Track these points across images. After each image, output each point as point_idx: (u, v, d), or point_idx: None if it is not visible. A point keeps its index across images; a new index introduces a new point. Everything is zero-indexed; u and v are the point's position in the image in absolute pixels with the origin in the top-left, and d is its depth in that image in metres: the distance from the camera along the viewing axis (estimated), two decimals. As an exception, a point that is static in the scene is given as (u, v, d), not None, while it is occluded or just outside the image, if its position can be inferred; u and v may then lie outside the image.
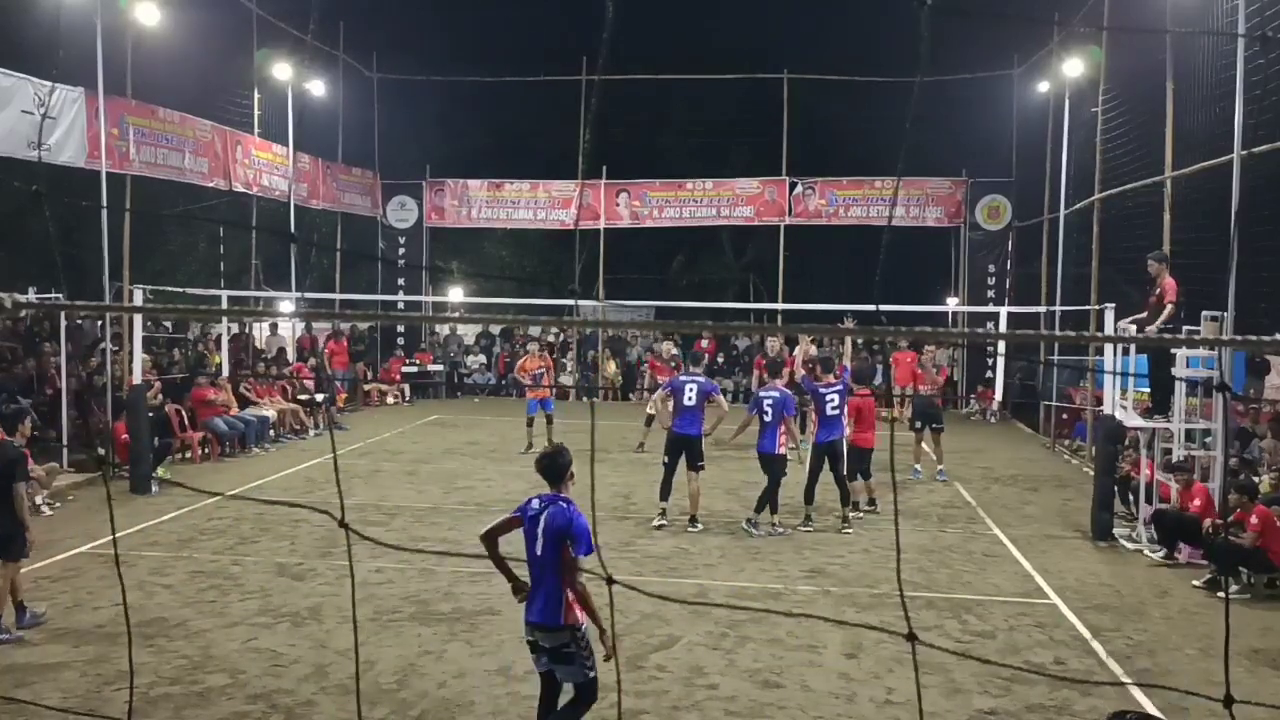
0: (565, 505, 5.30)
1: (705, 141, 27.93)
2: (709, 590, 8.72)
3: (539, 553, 5.23)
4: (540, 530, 5.23)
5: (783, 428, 10.76)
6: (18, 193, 17.16)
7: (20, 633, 7.34)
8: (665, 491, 11.00)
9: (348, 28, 22.00)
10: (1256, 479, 10.38)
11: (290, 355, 20.51)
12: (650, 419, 15.35)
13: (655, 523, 10.94)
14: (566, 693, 5.39)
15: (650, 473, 13.99)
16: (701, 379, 11.21)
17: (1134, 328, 11.17)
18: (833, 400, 11.04)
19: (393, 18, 25.80)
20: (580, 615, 5.15)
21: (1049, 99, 19.55)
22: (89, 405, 14.22)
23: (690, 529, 10.82)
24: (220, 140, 17.43)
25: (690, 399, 10.94)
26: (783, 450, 10.73)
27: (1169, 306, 10.76)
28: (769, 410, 10.75)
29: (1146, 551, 10.32)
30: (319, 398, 17.95)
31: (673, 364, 18.46)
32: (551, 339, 24.76)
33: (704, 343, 19.21)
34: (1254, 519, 8.87)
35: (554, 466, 5.44)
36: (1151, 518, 10.52)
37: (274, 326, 20.72)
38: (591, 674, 5.30)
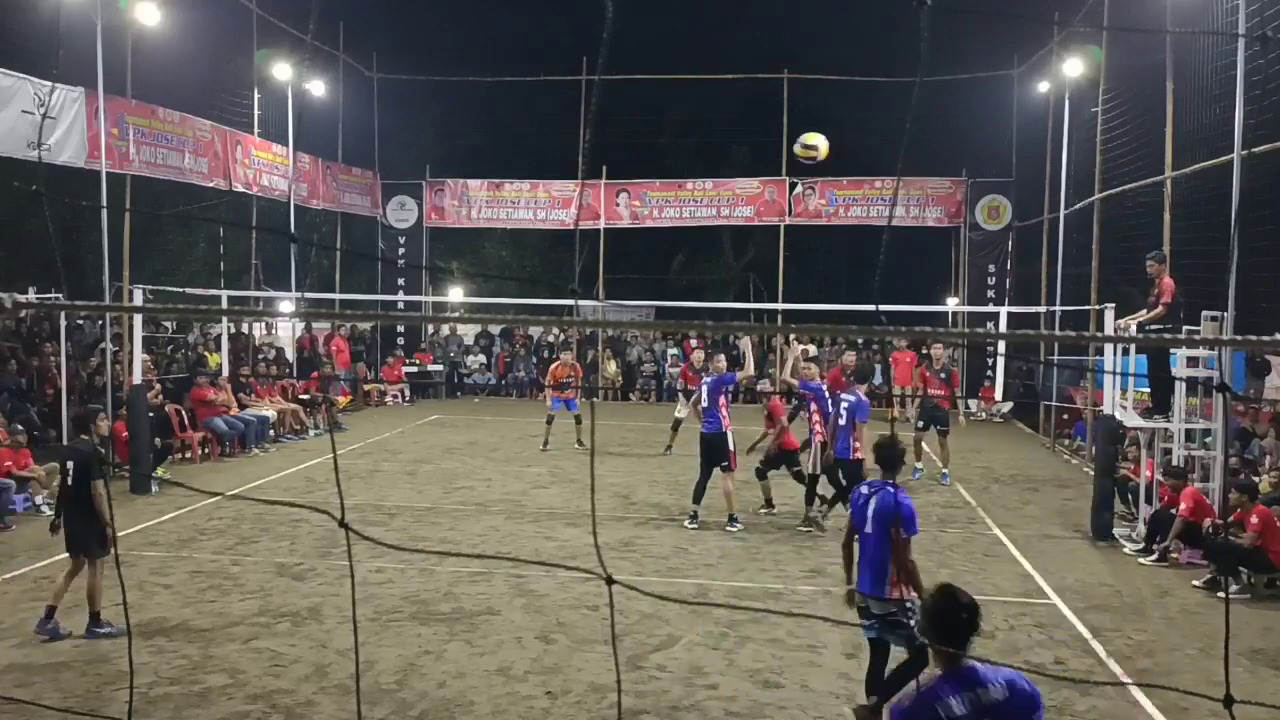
0: (893, 490, 5.94)
1: (705, 141, 27.91)
2: (709, 590, 8.72)
3: (868, 531, 5.95)
4: (870, 513, 5.94)
5: (855, 433, 10.55)
6: (18, 193, 17.16)
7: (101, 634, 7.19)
8: (698, 495, 11.05)
9: (348, 28, 22.01)
10: (1256, 479, 10.39)
11: (289, 355, 20.51)
12: (678, 423, 15.38)
13: (687, 524, 10.93)
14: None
15: (649, 472, 14.01)
16: (710, 379, 11.22)
17: (1133, 327, 11.18)
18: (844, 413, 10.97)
19: (393, 18, 25.86)
20: (907, 590, 5.67)
21: (1049, 99, 19.54)
22: (88, 405, 14.22)
23: (729, 528, 10.81)
24: (220, 140, 17.43)
25: (704, 401, 11.10)
26: (859, 455, 10.25)
27: (1160, 307, 10.77)
28: (844, 414, 10.64)
29: (1129, 550, 10.32)
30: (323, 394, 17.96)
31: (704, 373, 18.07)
32: (552, 339, 24.79)
33: (693, 343, 19.20)
34: (1254, 519, 8.87)
35: (890, 455, 6.13)
36: (1150, 518, 10.52)
37: (268, 327, 20.66)
38: (920, 641, 5.59)
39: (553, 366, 17.56)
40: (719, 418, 10.95)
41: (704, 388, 11.22)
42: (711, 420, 11.03)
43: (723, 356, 12.07)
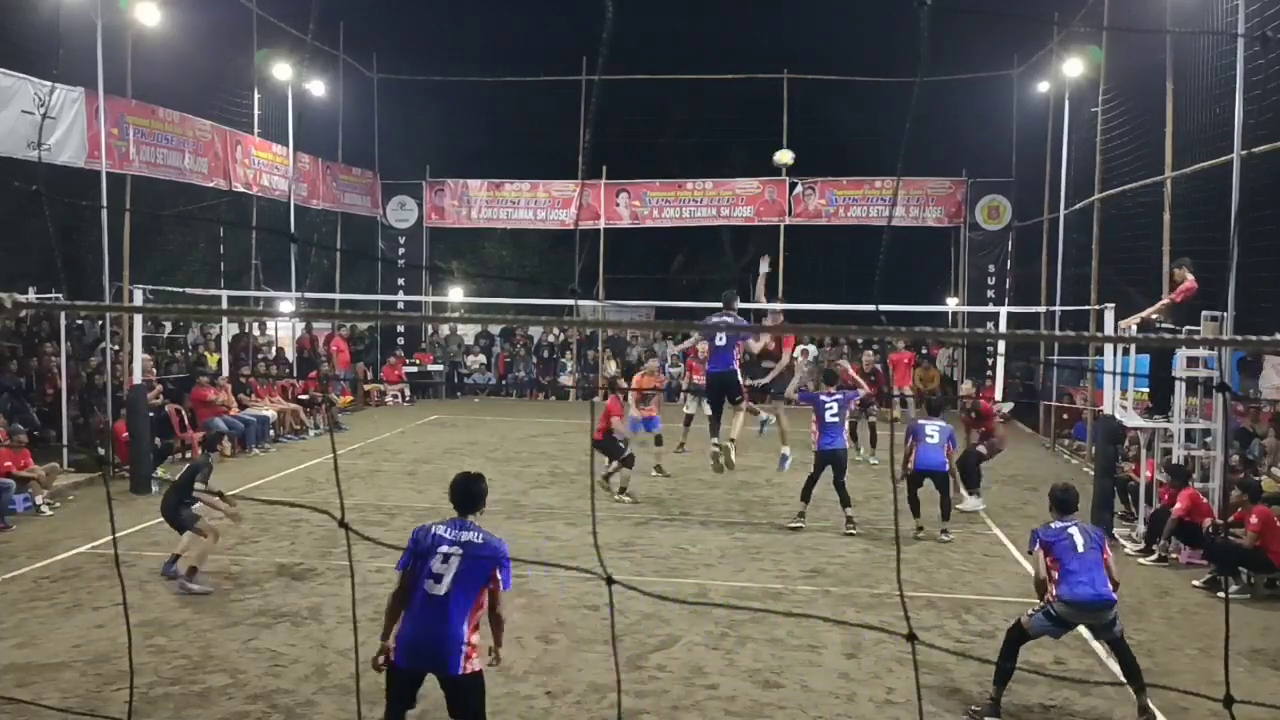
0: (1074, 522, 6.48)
1: (705, 141, 27.92)
2: (709, 590, 8.72)
3: (1081, 550, 6.27)
4: (1080, 540, 6.35)
5: (948, 448, 10.83)
6: (18, 193, 17.16)
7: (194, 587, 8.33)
8: (715, 428, 10.48)
9: (348, 28, 22.02)
10: (1257, 479, 10.38)
11: (289, 355, 20.50)
12: (689, 419, 15.30)
13: (710, 461, 10.42)
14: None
15: (650, 472, 13.99)
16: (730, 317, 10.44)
17: (1134, 326, 11.19)
18: (832, 408, 11.06)
19: (393, 18, 25.82)
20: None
21: (1049, 99, 19.55)
22: (89, 405, 14.23)
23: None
24: (220, 140, 17.43)
25: (721, 340, 10.24)
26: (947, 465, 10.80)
27: (1166, 299, 10.79)
28: (933, 434, 10.74)
29: (1129, 550, 10.32)
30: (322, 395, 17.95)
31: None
32: (552, 339, 24.79)
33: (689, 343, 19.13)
34: (1254, 519, 8.87)
35: (1065, 499, 6.59)
36: (1150, 518, 10.52)
37: (263, 327, 20.62)
38: None
39: (638, 376, 15.44)
40: (731, 356, 10.15)
41: (723, 323, 10.16)
42: (719, 360, 10.23)
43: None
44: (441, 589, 4.76)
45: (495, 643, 5.07)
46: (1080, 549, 6.24)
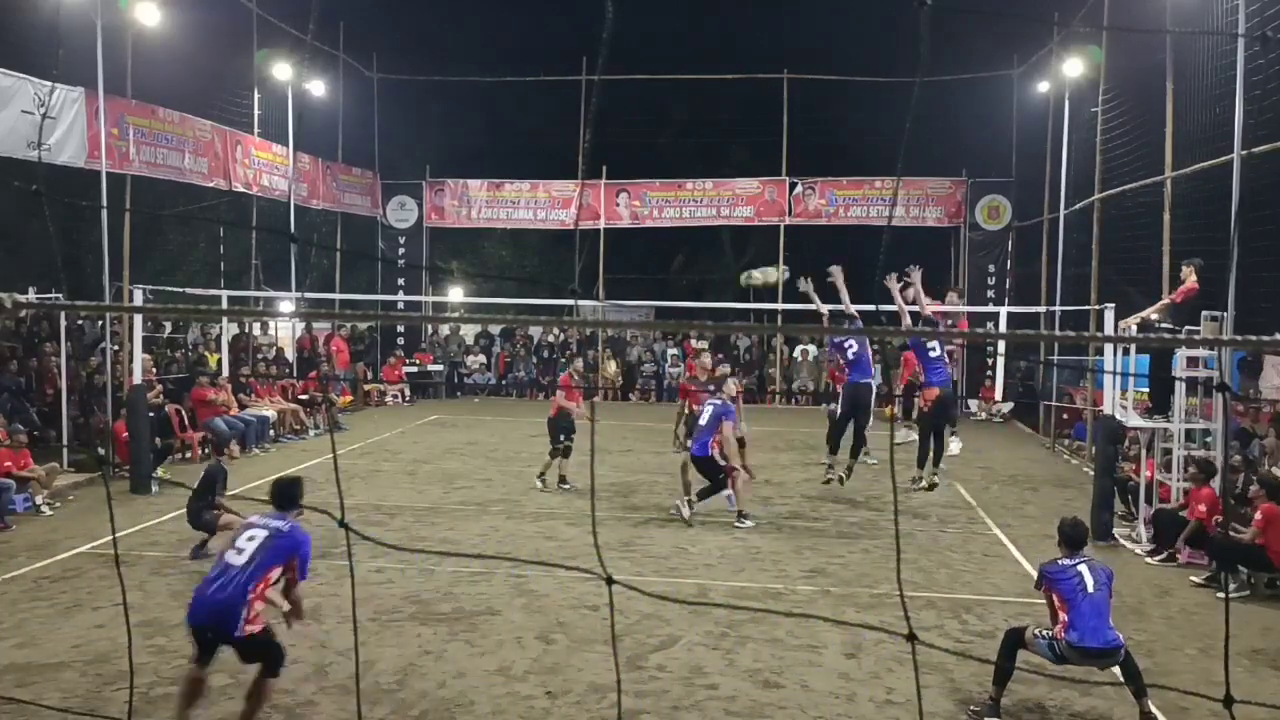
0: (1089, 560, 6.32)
1: (705, 141, 27.91)
2: (709, 590, 8.72)
3: (1091, 593, 6.12)
4: (1089, 579, 6.18)
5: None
6: (18, 193, 17.15)
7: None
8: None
9: (348, 28, 22.00)
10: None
11: (289, 355, 20.50)
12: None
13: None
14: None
15: (649, 472, 13.99)
16: (716, 402, 11.21)
17: (1134, 326, 11.19)
18: (852, 346, 11.43)
19: (393, 18, 25.81)
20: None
21: (1049, 99, 19.54)
22: (89, 405, 14.22)
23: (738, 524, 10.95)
24: (220, 140, 17.43)
25: (703, 419, 11.14)
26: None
27: (1166, 299, 10.78)
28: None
29: (1139, 551, 10.33)
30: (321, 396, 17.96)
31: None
32: (552, 339, 24.78)
33: (694, 343, 19.11)
34: (1258, 515, 8.85)
35: (1074, 534, 6.44)
36: (1151, 518, 10.52)
37: (264, 327, 20.63)
38: None
39: (699, 359, 15.80)
40: (708, 443, 10.90)
41: (708, 408, 11.11)
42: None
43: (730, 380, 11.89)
44: (239, 560, 5.50)
45: (293, 615, 5.90)
46: (1090, 589, 6.10)
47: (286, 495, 5.99)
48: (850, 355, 11.38)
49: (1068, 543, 6.43)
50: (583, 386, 13.17)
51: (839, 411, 11.56)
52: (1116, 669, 6.35)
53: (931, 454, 11.50)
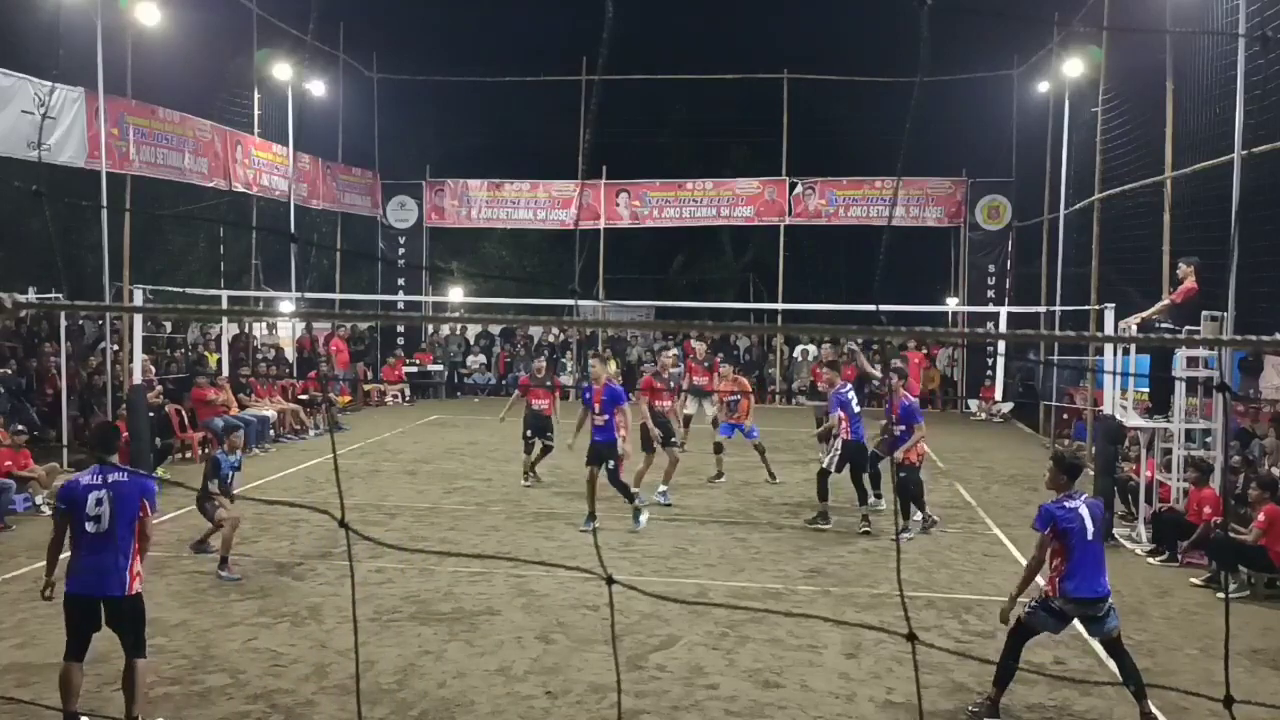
0: (1081, 497, 6.26)
1: (705, 141, 27.92)
2: (709, 590, 8.72)
3: (1090, 539, 6.12)
4: (1088, 520, 6.12)
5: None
6: (18, 193, 17.16)
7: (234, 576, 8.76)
8: (863, 494, 11.26)
9: (348, 28, 22.01)
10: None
11: (289, 355, 20.50)
12: (688, 419, 15.23)
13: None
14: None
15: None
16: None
17: (1134, 326, 11.18)
18: (856, 404, 11.22)
19: (393, 18, 25.80)
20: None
21: (1049, 99, 19.54)
22: (89, 405, 14.22)
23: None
24: (220, 140, 17.43)
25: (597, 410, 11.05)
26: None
27: (1167, 299, 10.78)
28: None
29: (1139, 551, 10.32)
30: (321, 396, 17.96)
31: (707, 364, 17.50)
32: (552, 339, 24.78)
33: (693, 342, 19.02)
34: (1261, 516, 8.85)
35: (1072, 466, 6.35)
36: (1151, 518, 10.51)
37: (270, 327, 20.67)
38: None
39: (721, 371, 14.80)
40: (612, 428, 10.82)
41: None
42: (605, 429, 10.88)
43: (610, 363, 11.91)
44: (102, 527, 5.60)
45: (139, 558, 5.82)
46: (1090, 537, 6.09)
47: (107, 439, 6.55)
48: (855, 409, 11.24)
49: (1068, 472, 6.31)
50: (667, 388, 13.03)
51: (834, 465, 11.37)
52: (1115, 669, 6.35)
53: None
